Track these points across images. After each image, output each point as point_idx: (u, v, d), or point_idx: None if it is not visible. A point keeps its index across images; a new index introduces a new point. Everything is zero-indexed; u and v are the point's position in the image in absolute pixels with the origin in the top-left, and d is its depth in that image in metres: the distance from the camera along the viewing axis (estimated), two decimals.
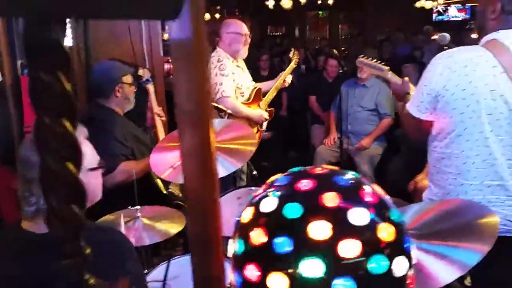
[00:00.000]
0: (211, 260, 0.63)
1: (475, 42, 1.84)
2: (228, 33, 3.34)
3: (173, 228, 1.87)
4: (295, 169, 0.75)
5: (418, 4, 9.49)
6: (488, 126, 1.62)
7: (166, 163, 1.96)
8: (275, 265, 0.61)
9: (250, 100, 3.43)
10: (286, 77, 3.72)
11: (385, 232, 0.61)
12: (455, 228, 1.06)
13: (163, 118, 2.86)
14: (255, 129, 3.50)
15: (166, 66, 7.48)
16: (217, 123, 2.22)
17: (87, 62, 3.17)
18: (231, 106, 3.19)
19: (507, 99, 1.59)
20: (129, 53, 3.43)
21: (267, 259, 0.62)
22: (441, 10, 10.71)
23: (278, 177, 0.74)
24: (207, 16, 11.33)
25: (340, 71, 4.44)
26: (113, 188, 2.20)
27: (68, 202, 0.55)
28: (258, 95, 3.49)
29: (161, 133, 2.74)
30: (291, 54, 4.08)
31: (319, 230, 0.59)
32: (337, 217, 0.60)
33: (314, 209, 0.61)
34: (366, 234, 0.60)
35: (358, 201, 0.63)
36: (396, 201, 1.91)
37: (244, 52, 3.41)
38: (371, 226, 0.61)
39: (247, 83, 3.47)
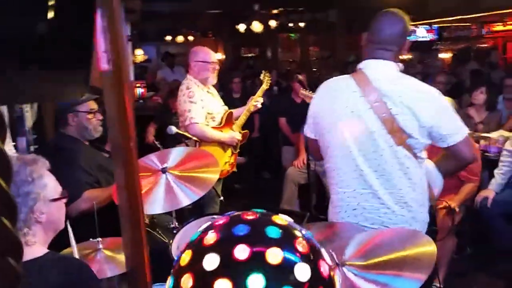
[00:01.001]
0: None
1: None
2: (196, 62, 3.41)
3: None
4: (254, 210, 0.80)
5: None
6: (352, 143, 1.83)
7: None
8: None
9: (222, 124, 3.46)
10: (257, 99, 3.77)
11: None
12: (395, 257, 1.11)
13: None
14: (229, 152, 3.53)
15: (139, 90, 7.42)
16: (180, 151, 2.25)
17: None
18: (200, 132, 3.22)
19: (365, 119, 1.80)
20: (97, 77, 3.43)
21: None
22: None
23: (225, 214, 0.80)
24: (181, 38, 11.38)
25: None
26: (78, 217, 2.19)
27: (3, 255, 0.57)
28: (230, 119, 3.53)
29: None
30: (262, 76, 4.13)
31: (184, 258, 0.70)
32: (196, 255, 0.68)
33: (194, 244, 0.72)
34: (206, 279, 0.65)
35: (222, 250, 0.67)
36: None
37: (212, 79, 3.48)
38: (214, 275, 0.65)
39: (219, 108, 3.51)
